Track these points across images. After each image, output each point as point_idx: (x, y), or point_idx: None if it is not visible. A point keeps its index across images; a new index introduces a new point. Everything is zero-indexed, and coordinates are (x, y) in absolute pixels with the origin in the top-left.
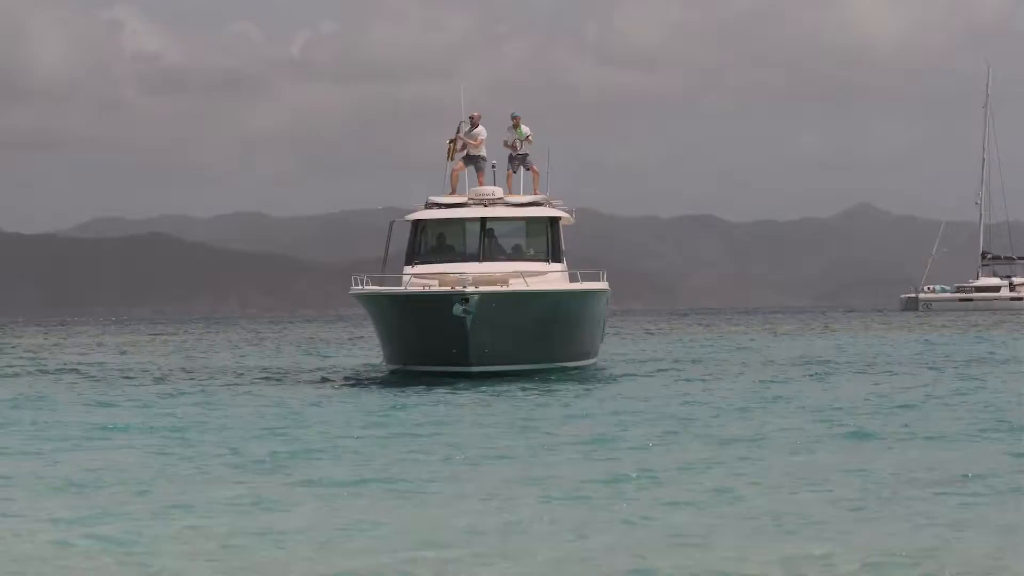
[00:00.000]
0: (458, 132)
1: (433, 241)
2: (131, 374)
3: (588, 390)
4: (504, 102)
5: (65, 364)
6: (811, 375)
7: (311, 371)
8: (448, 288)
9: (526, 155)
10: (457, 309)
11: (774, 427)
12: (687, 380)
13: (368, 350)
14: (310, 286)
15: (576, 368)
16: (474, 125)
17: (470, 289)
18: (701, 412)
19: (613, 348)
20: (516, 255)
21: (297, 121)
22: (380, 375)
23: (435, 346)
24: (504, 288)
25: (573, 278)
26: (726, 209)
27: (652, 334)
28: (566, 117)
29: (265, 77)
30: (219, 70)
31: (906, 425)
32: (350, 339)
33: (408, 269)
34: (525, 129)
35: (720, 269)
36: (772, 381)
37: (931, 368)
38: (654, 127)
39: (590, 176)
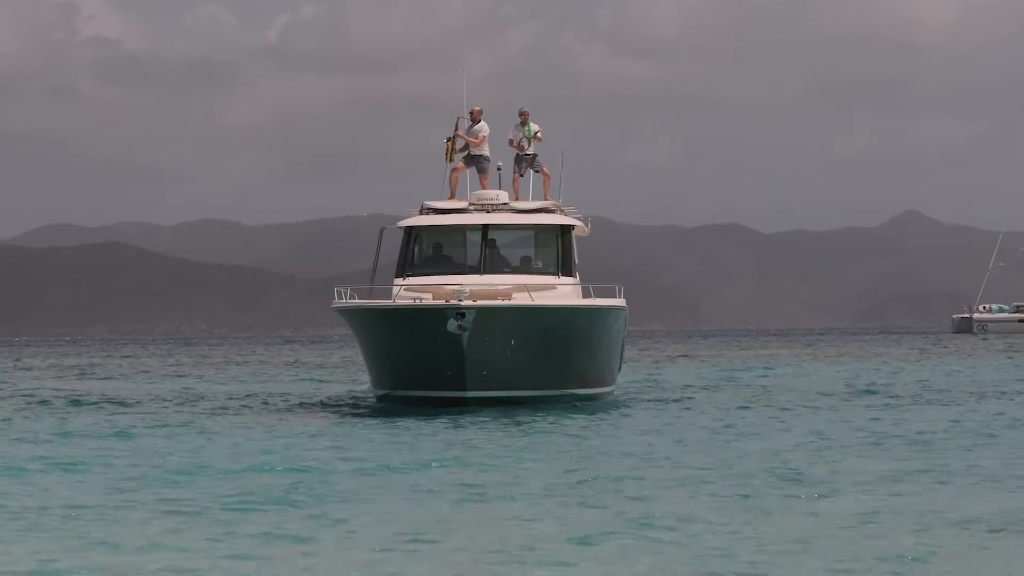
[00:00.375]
0: (456, 129)
1: (428, 250)
2: (93, 402)
3: (611, 421)
4: (507, 95)
5: (17, 391)
6: (876, 406)
7: (292, 399)
8: (442, 301)
9: (535, 155)
10: (452, 325)
11: (849, 465)
12: (726, 409)
13: (355, 374)
14: (287, 303)
15: (590, 397)
16: (475, 121)
17: (466, 303)
18: (754, 447)
19: (632, 374)
20: (523, 268)
21: (273, 117)
22: (366, 403)
23: (427, 368)
24: (505, 302)
25: (586, 293)
26: (755, 217)
27: (686, 356)
28: (574, 112)
29: (238, 67)
30: (186, 58)
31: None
32: (342, 363)
33: (399, 281)
34: (534, 126)
35: (748, 285)
36: (831, 410)
37: (1007, 399)
38: (673, 124)
39: (602, 179)
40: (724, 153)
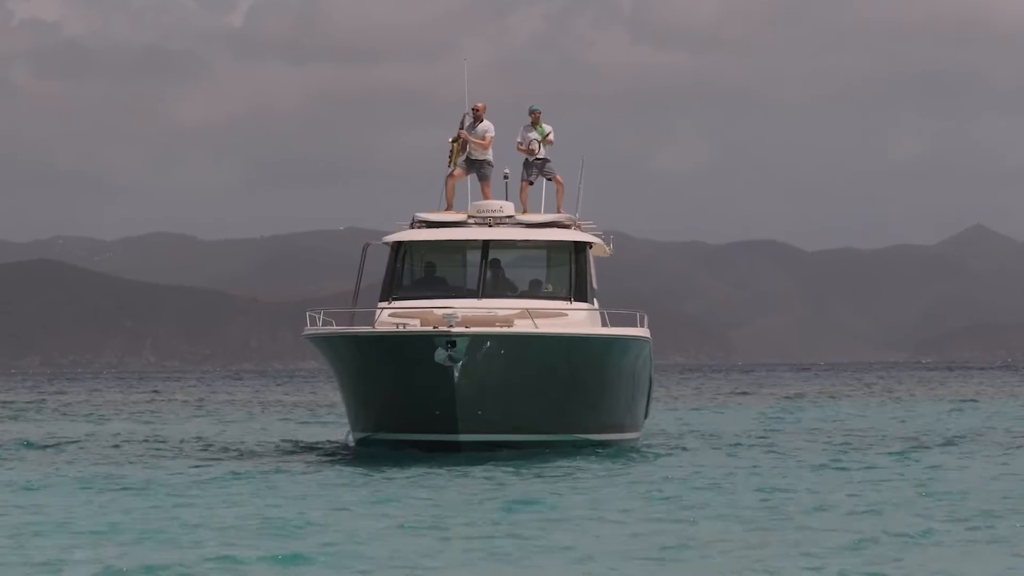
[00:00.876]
0: (462, 128)
1: (419, 270)
2: (30, 448)
3: (650, 478)
4: (509, 90)
5: None
6: (979, 454)
7: (271, 444)
8: (429, 328)
9: (546, 160)
10: (440, 355)
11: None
12: (790, 457)
13: (337, 414)
14: (249, 331)
15: (609, 443)
16: (477, 119)
17: (457, 329)
18: (837, 508)
19: (661, 416)
20: (530, 292)
21: (237, 114)
22: (342, 449)
23: (412, 406)
24: (504, 330)
25: (604, 322)
26: (795, 232)
27: (728, 395)
28: (587, 110)
29: (196, 55)
30: (135, 46)
31: None
32: (326, 406)
33: (383, 305)
34: (546, 127)
35: (788, 312)
36: (926, 459)
37: None
38: (703, 125)
39: (618, 187)
40: (760, 158)
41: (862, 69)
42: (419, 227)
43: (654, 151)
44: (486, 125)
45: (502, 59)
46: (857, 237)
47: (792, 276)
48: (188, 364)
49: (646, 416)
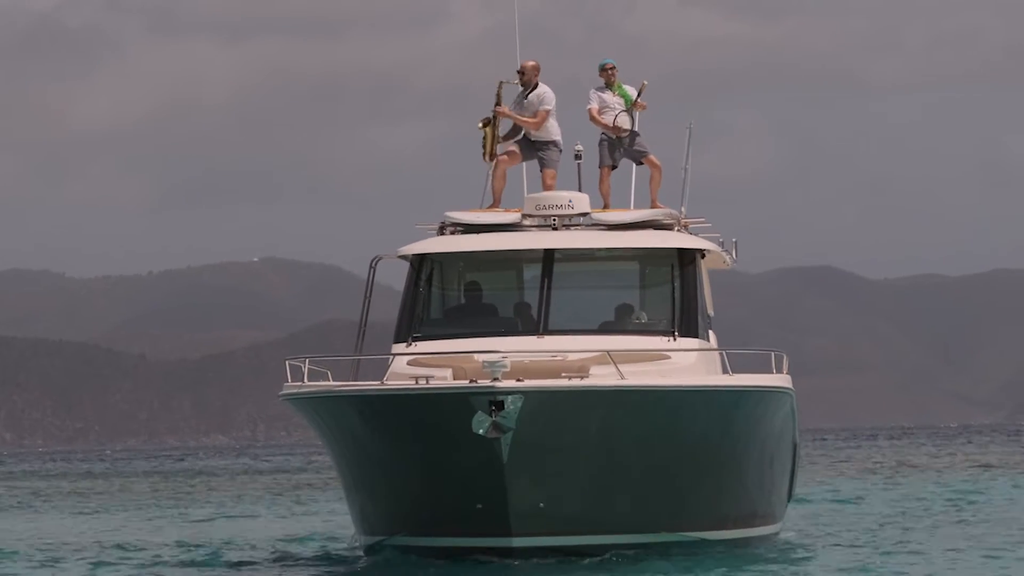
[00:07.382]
0: (499, 101)
1: (454, 295)
2: None
3: None
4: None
5: None
6: None
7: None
8: (465, 383)
9: (635, 135)
10: (481, 422)
11: None
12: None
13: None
14: (136, 397)
15: (734, 542)
16: (528, 84)
17: (505, 384)
18: None
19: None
20: (615, 323)
21: (150, 109)
22: (349, 559)
23: (442, 499)
24: (575, 383)
25: (724, 366)
26: (858, 257)
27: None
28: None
29: (98, 32)
30: (19, 21)
31: None
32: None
33: (400, 348)
34: (629, 88)
35: (846, 360)
36: None
37: None
38: (767, 115)
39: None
40: (837, 158)
41: (982, 49)
42: (452, 232)
43: (698, 147)
44: (541, 93)
45: (508, 28)
46: (942, 261)
47: (851, 313)
48: (55, 443)
49: (790, 497)
